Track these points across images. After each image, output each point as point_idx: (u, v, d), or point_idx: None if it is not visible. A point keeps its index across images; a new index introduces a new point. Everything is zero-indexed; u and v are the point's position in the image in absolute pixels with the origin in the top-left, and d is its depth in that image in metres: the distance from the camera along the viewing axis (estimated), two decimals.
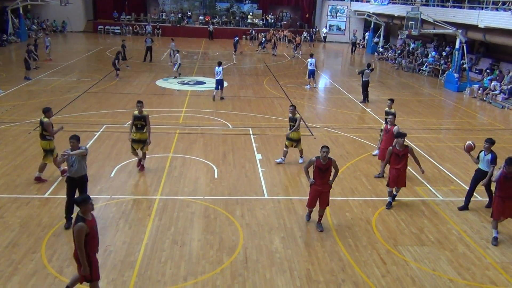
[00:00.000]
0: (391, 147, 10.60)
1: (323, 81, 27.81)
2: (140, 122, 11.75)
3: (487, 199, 11.42)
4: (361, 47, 44.21)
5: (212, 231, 9.30)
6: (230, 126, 16.60)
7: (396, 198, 10.94)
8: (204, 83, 24.51)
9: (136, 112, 11.82)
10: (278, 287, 7.64)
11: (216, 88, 20.34)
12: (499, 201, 9.11)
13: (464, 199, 10.91)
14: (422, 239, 9.41)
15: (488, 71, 25.71)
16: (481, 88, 23.77)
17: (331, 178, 9.26)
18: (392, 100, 14.30)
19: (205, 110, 18.53)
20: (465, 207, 10.74)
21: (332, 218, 10.03)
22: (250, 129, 16.16)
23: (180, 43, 40.73)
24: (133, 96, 20.44)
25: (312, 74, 24.16)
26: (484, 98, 23.21)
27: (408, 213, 10.47)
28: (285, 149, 13.03)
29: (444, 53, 31.01)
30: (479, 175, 10.49)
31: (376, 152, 13.83)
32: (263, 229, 9.48)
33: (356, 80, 27.17)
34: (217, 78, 20.11)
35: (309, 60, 24.16)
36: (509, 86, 22.67)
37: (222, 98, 20.57)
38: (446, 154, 14.64)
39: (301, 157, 13.28)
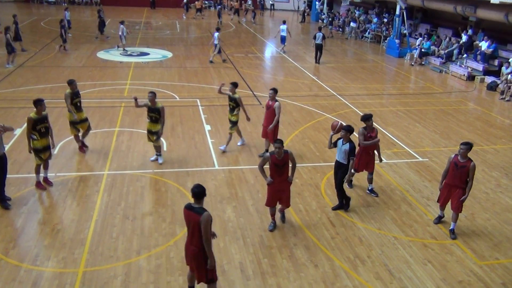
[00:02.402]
0: (363, 129, 9.58)
1: (269, 49, 27.77)
2: (44, 125, 9.36)
3: (427, 159, 12.04)
4: (306, 14, 44.31)
5: (164, 204, 9.25)
6: (177, 97, 16.33)
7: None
8: (147, 54, 23.81)
9: (32, 115, 9.17)
10: (232, 254, 7.77)
11: (218, 52, 22.26)
12: (445, 188, 8.60)
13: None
14: (368, 200, 9.82)
15: (425, 36, 26.58)
16: (419, 55, 24.62)
17: (289, 174, 8.29)
18: (234, 84, 11.37)
19: (150, 82, 18.08)
20: (340, 207, 9.42)
21: None
22: (198, 100, 15.97)
23: (120, 13, 39.18)
24: (73, 69, 19.58)
25: (283, 40, 25.54)
26: (423, 62, 24.10)
27: (355, 176, 10.83)
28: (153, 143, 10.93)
29: (385, 20, 31.70)
30: (336, 168, 9.21)
31: (236, 144, 12.24)
32: (215, 199, 9.53)
33: (301, 49, 27.38)
34: (215, 43, 21.95)
35: (281, 26, 25.55)
36: (445, 51, 23.62)
37: (224, 61, 22.57)
38: (389, 118, 15.19)
39: (158, 154, 11.06)
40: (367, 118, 9.63)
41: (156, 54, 23.93)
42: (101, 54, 23.02)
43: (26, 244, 7.80)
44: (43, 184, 9.66)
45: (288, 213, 9.07)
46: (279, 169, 8.08)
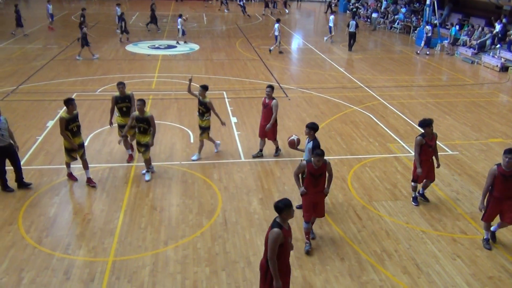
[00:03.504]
0: (420, 138, 8.71)
1: (296, 41, 27.59)
2: (76, 124, 9.37)
3: (457, 152, 11.78)
4: (333, 5, 43.80)
5: (191, 196, 9.36)
6: None
7: (371, 156, 11.18)
8: (175, 46, 24.01)
9: (64, 114, 9.20)
10: (258, 246, 7.81)
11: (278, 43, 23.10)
12: (495, 203, 7.67)
13: None
14: (396, 194, 9.69)
15: (457, 26, 25.88)
16: (450, 43, 24.02)
17: (326, 186, 7.69)
18: (204, 87, 10.55)
19: (177, 75, 18.25)
20: None
21: None
22: (224, 92, 16.03)
23: (148, 6, 39.56)
24: (102, 63, 19.93)
25: (330, 29, 26.92)
26: (456, 52, 23.50)
27: (382, 169, 10.72)
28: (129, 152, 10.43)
29: (414, 9, 31.01)
30: None
31: (195, 156, 11.00)
32: (241, 191, 9.58)
33: (328, 40, 27.07)
34: (275, 34, 22.63)
35: (330, 17, 27.61)
36: (478, 41, 22.96)
37: (280, 52, 23.05)
38: (418, 110, 14.90)
39: (146, 171, 10.12)
40: (426, 124, 8.65)
41: (183, 47, 24.10)
42: (130, 47, 23.34)
43: (58, 233, 8.03)
44: (76, 176, 9.90)
45: None
46: (315, 179, 7.48)
